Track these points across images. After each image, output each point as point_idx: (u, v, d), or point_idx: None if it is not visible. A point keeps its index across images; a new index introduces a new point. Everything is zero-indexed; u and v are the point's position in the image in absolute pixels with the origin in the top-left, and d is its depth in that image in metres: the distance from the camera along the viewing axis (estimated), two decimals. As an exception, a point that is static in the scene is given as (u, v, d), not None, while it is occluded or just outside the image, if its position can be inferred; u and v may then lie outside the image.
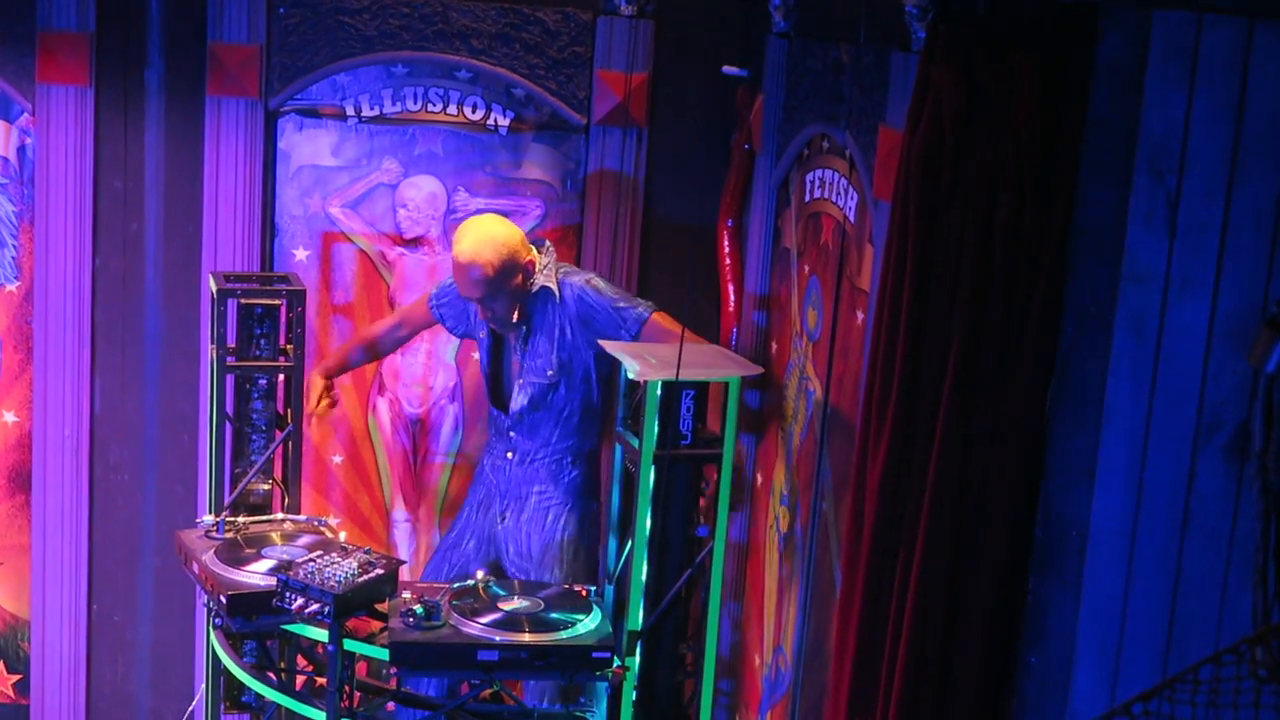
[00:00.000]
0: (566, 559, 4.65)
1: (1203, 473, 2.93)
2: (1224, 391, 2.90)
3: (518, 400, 4.65)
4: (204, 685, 4.61)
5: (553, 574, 4.63)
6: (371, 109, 5.04)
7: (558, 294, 4.54)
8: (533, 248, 4.57)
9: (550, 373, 4.59)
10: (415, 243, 5.13)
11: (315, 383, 4.75)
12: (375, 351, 4.99)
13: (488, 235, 4.46)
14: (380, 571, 3.91)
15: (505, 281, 4.46)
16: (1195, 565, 2.95)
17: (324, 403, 4.78)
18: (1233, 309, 2.87)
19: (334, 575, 3.83)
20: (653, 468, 4.02)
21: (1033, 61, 3.02)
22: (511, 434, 4.69)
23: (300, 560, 3.94)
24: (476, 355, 4.88)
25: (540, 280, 4.54)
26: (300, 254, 5.10)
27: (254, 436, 4.57)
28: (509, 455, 4.70)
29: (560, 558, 4.65)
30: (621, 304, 4.56)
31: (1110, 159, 2.93)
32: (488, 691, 4.16)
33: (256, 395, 4.57)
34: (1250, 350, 2.86)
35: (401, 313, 4.99)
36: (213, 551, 4.13)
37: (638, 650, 4.09)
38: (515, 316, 4.54)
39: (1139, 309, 2.92)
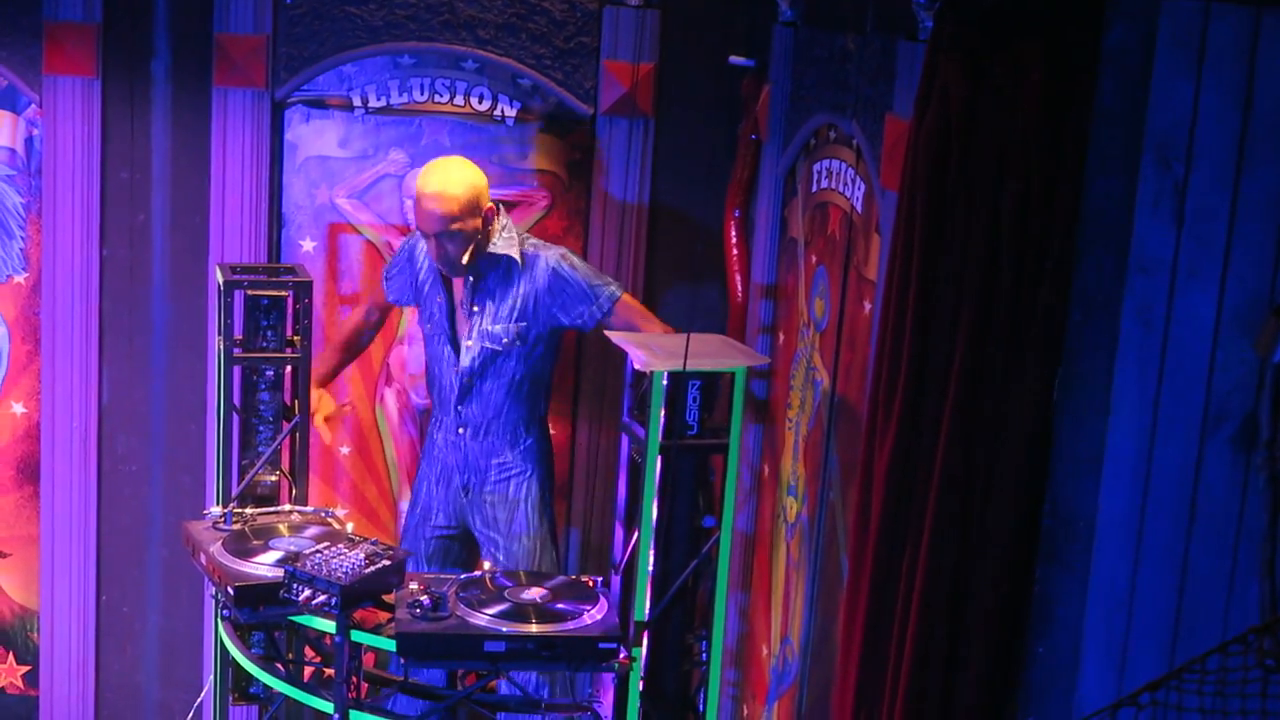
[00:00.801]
0: (533, 524, 4.71)
1: (1210, 462, 2.92)
2: (1231, 381, 2.89)
3: (464, 362, 4.64)
4: (212, 676, 4.62)
5: (521, 542, 4.69)
6: (378, 100, 5.04)
7: (520, 262, 4.56)
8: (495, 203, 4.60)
9: (505, 341, 4.59)
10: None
11: (313, 394, 4.78)
12: (356, 346, 5.01)
13: (456, 172, 4.50)
14: (387, 562, 3.91)
15: (466, 220, 4.46)
16: (1202, 555, 2.95)
17: (325, 409, 4.83)
18: (1240, 298, 2.86)
19: (341, 566, 3.83)
20: (659, 458, 4.01)
21: (1040, 50, 3.01)
22: (460, 408, 4.69)
23: (307, 551, 3.94)
24: (426, 327, 4.79)
25: (501, 246, 4.55)
26: (307, 245, 5.10)
27: (261, 428, 4.58)
28: (460, 430, 4.71)
29: (527, 524, 4.71)
30: (595, 281, 4.60)
31: (1117, 148, 2.92)
32: (493, 683, 4.16)
33: (263, 386, 4.57)
34: (1257, 339, 2.86)
35: (365, 300, 5.01)
36: (220, 543, 4.13)
37: (644, 641, 4.09)
38: (465, 260, 4.51)
39: (1146, 298, 2.91)
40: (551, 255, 4.60)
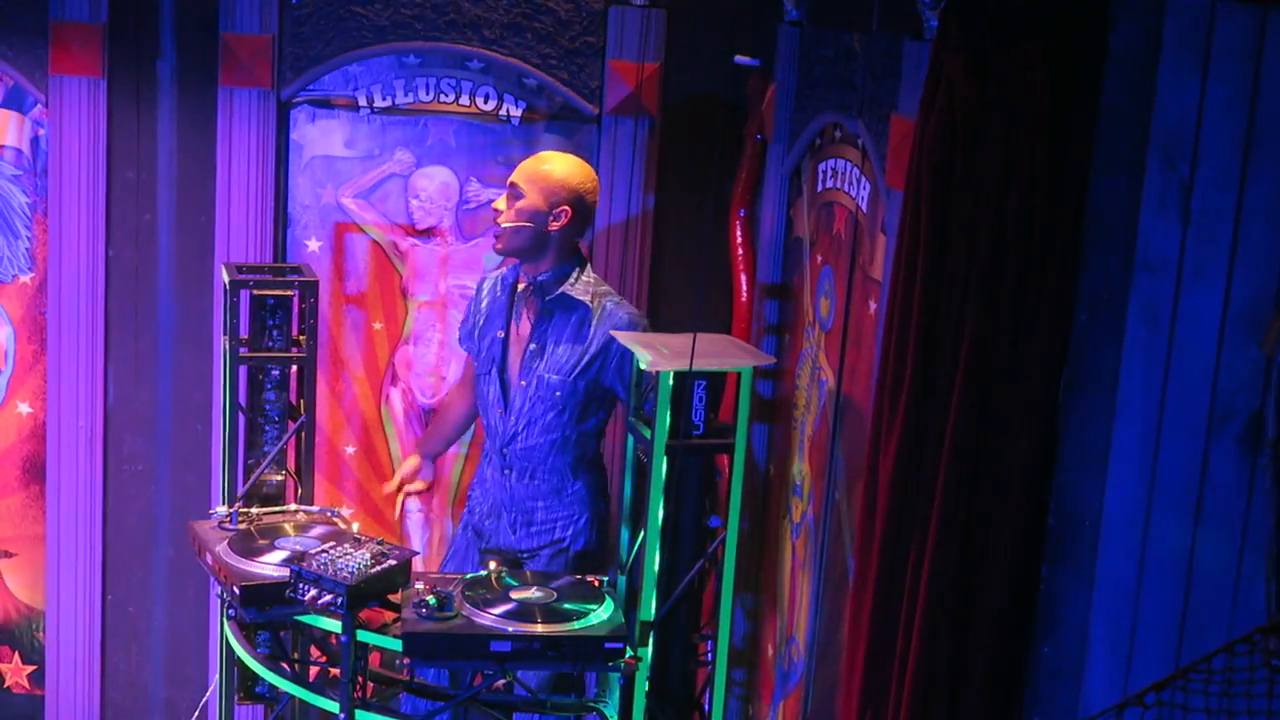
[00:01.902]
0: (575, 568, 4.60)
1: (1216, 462, 2.92)
2: (1237, 380, 2.89)
3: (514, 406, 4.55)
4: (217, 675, 4.62)
5: (569, 569, 4.62)
6: (384, 99, 5.04)
7: (594, 318, 4.47)
8: (586, 223, 4.58)
9: (559, 394, 4.49)
10: (428, 233, 5.13)
11: (409, 462, 4.85)
12: (469, 416, 4.95)
13: (575, 161, 4.54)
14: (393, 562, 3.91)
15: (537, 193, 4.43)
16: (1208, 554, 2.94)
17: (411, 486, 4.85)
18: (1246, 297, 2.86)
19: (347, 566, 3.83)
20: (665, 458, 4.01)
21: (1046, 50, 3.01)
22: (505, 450, 4.60)
23: (313, 551, 3.94)
24: (476, 363, 4.72)
25: (578, 292, 4.48)
26: (313, 244, 5.11)
27: (267, 427, 4.58)
28: (506, 472, 4.62)
29: (569, 566, 4.61)
30: None
31: (1123, 147, 2.92)
32: (500, 682, 4.16)
33: (269, 386, 4.57)
34: (1263, 338, 2.85)
35: (466, 368, 4.94)
36: (226, 542, 4.14)
37: (650, 640, 4.09)
38: (508, 224, 4.44)
39: (1152, 297, 2.91)
40: (632, 324, 4.46)
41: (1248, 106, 2.83)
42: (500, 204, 4.51)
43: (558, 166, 4.50)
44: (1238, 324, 2.88)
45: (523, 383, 4.54)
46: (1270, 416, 2.85)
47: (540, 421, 4.54)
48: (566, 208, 4.46)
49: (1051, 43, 3.00)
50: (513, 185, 4.49)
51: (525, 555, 4.65)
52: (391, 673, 4.36)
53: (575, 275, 4.51)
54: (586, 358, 4.48)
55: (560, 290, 4.50)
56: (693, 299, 4.65)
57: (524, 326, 4.59)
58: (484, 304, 4.69)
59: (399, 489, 4.89)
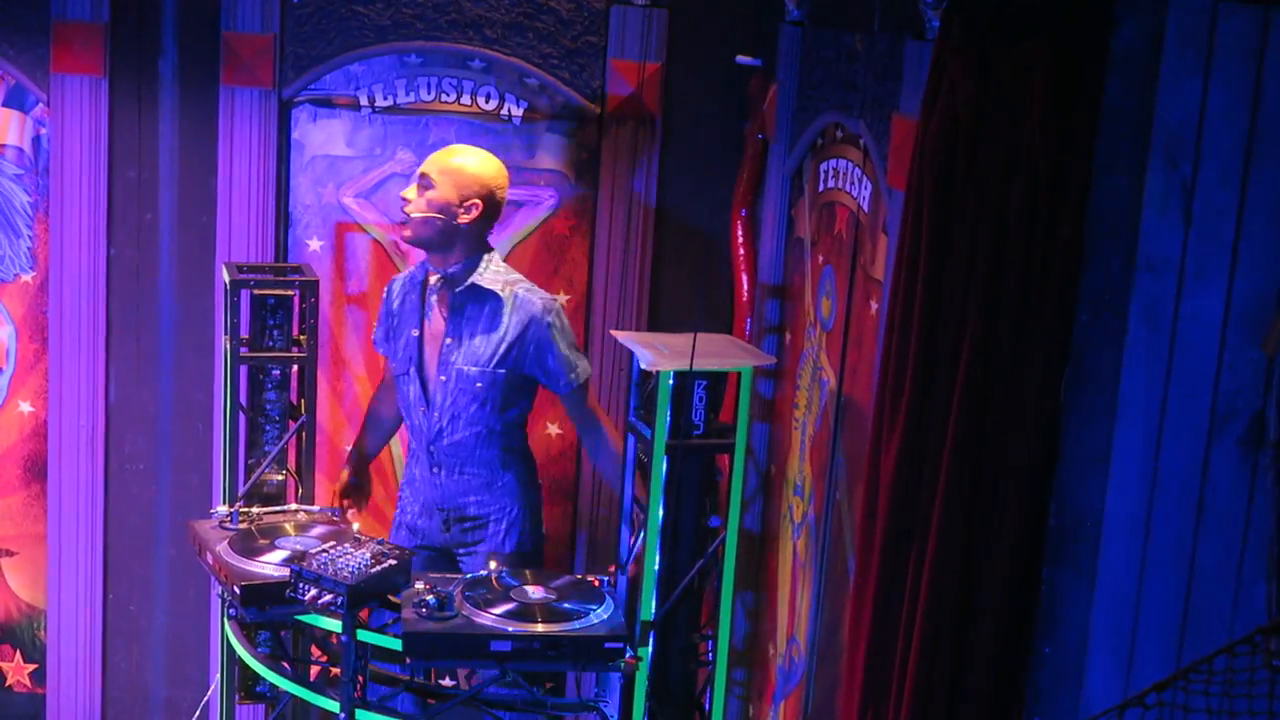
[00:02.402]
0: (514, 561, 4.58)
1: (1217, 462, 2.92)
2: (1239, 381, 2.89)
3: (435, 402, 4.53)
4: (218, 675, 4.62)
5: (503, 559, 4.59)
6: (385, 99, 5.04)
7: (508, 303, 4.46)
8: (495, 218, 4.55)
9: (479, 386, 4.48)
10: (429, 233, 5.12)
11: (342, 476, 4.80)
12: (389, 420, 4.89)
13: (487, 155, 4.53)
14: (393, 562, 3.92)
15: (449, 186, 4.42)
16: (1209, 555, 2.94)
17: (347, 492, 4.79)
18: (1248, 297, 2.86)
19: (347, 566, 3.83)
20: (665, 458, 4.01)
21: (1047, 49, 3.01)
22: (432, 448, 4.58)
23: (313, 551, 3.94)
24: (394, 365, 4.69)
25: (488, 281, 4.47)
26: (314, 244, 5.11)
27: (267, 427, 4.58)
28: (435, 470, 4.61)
29: (507, 559, 4.58)
30: (572, 357, 4.50)
31: (1125, 147, 2.92)
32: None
33: (270, 386, 4.57)
34: (1265, 339, 2.85)
35: (381, 380, 4.92)
36: (226, 542, 4.14)
37: (651, 640, 4.08)
38: (415, 214, 4.43)
39: (1154, 297, 2.91)
40: (545, 312, 4.46)
41: (1250, 107, 2.82)
42: (409, 193, 4.49)
43: (470, 160, 4.49)
44: (1239, 325, 2.88)
45: (442, 378, 4.52)
46: (1272, 417, 2.85)
47: (463, 415, 4.52)
48: (477, 201, 4.45)
49: (1053, 42, 3.00)
50: (424, 175, 4.47)
51: (462, 551, 4.63)
52: (392, 671, 4.36)
53: (484, 266, 4.50)
54: (503, 347, 4.47)
55: (469, 281, 4.48)
56: (693, 299, 4.65)
57: (437, 322, 4.56)
58: (395, 305, 4.67)
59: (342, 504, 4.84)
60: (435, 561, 4.68)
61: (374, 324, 4.83)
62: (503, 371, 4.47)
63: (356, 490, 4.82)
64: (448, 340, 4.51)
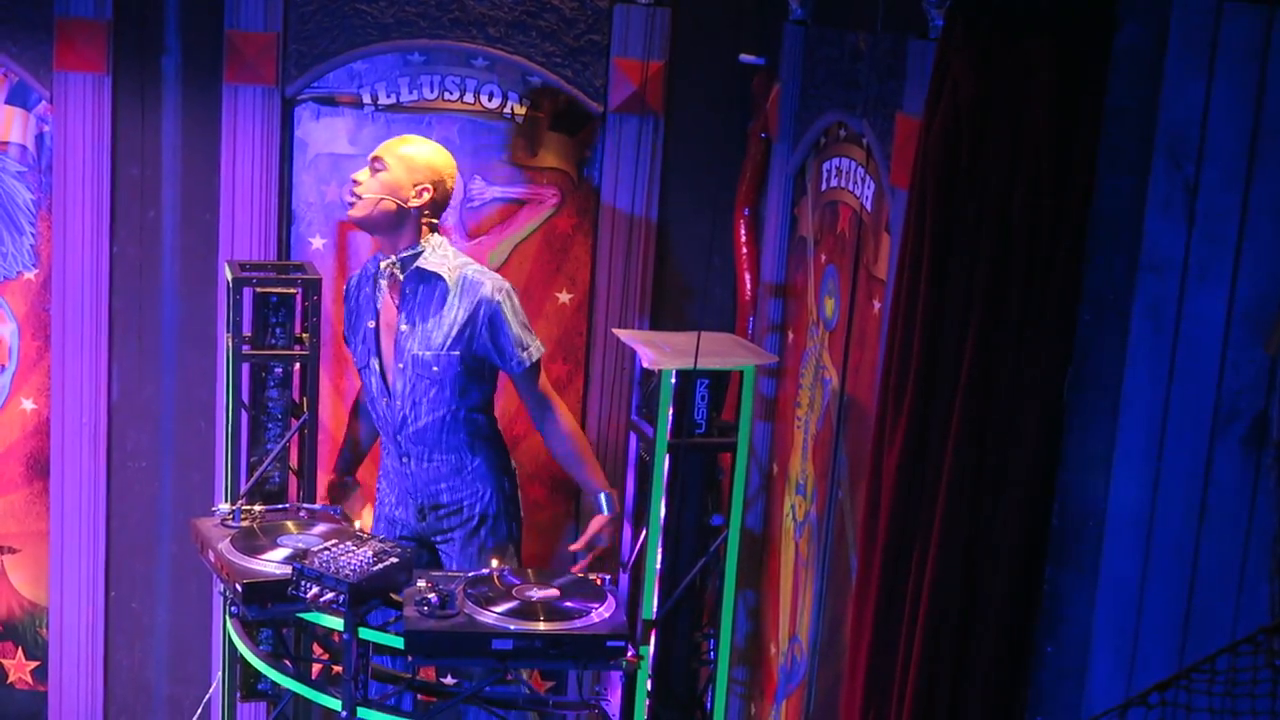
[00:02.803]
0: (489, 544, 4.61)
1: (1220, 462, 2.92)
2: (1242, 381, 2.89)
3: (396, 390, 4.54)
4: (220, 673, 4.62)
5: (480, 559, 4.58)
6: (388, 97, 5.04)
7: (453, 286, 4.45)
8: (443, 206, 4.58)
9: (436, 369, 4.48)
10: (431, 231, 5.12)
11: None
12: (368, 431, 4.90)
13: (442, 149, 4.58)
14: (395, 560, 3.92)
15: (402, 169, 4.45)
16: (1212, 555, 2.94)
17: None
18: (1251, 298, 2.86)
19: (349, 564, 3.83)
20: (667, 457, 4.01)
21: (1051, 49, 3.01)
22: (399, 438, 4.59)
23: (315, 549, 3.94)
24: (356, 358, 4.72)
25: (432, 264, 4.47)
26: (317, 242, 5.11)
27: (270, 425, 4.58)
28: (404, 460, 4.61)
29: (483, 545, 4.61)
30: (524, 337, 4.49)
31: (1128, 147, 2.92)
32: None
33: (272, 384, 4.57)
34: (1268, 339, 2.85)
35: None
36: (228, 540, 4.14)
37: (652, 639, 4.09)
38: (366, 195, 4.45)
39: (1157, 297, 2.91)
40: (495, 291, 4.46)
41: (1253, 107, 2.82)
42: (361, 175, 4.52)
43: (424, 148, 4.55)
44: (1242, 325, 2.88)
45: (400, 365, 4.53)
46: (1275, 417, 2.85)
47: (424, 401, 4.53)
48: (428, 186, 4.48)
49: (1057, 42, 3.00)
50: (377, 159, 4.50)
51: (439, 539, 4.64)
52: (395, 670, 4.36)
53: (430, 250, 4.50)
54: (455, 329, 4.47)
55: (415, 266, 4.49)
56: (696, 297, 4.65)
57: (390, 311, 4.57)
58: (353, 300, 4.69)
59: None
60: (415, 553, 4.70)
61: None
62: (456, 354, 4.47)
63: (343, 490, 4.87)
64: (402, 327, 4.52)
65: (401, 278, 4.51)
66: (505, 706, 4.14)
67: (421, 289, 4.49)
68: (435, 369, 4.47)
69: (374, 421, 4.70)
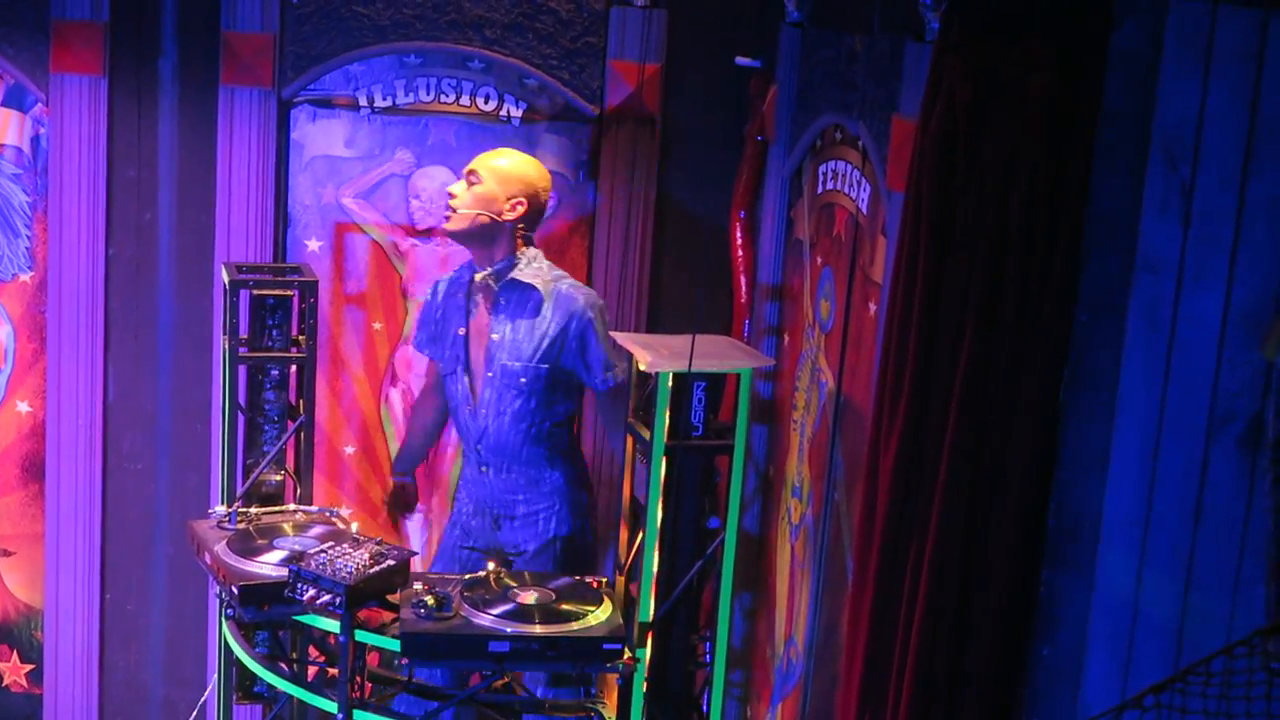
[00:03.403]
0: (564, 560, 4.65)
1: (1216, 464, 2.92)
2: (1238, 382, 2.89)
3: (481, 398, 4.58)
4: (216, 675, 4.62)
5: (555, 563, 4.64)
6: (384, 99, 5.04)
7: (548, 298, 4.51)
8: (538, 219, 4.62)
9: (523, 381, 4.52)
10: (428, 233, 5.13)
11: (394, 496, 4.95)
12: (436, 423, 4.95)
13: (535, 161, 4.63)
14: (392, 562, 3.91)
15: (495, 182, 4.49)
16: (1208, 557, 2.94)
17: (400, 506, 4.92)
18: (1247, 299, 2.86)
19: (345, 566, 3.83)
20: (664, 459, 4.01)
21: (1047, 51, 3.01)
22: (479, 447, 4.63)
23: (312, 551, 3.94)
24: (440, 365, 4.75)
25: (528, 276, 4.53)
26: (313, 244, 5.11)
27: (266, 427, 4.57)
28: (483, 469, 4.66)
29: (557, 559, 4.65)
30: (610, 359, 4.54)
31: (1124, 149, 2.92)
32: (500, 681, 4.16)
33: (269, 386, 4.57)
34: (1264, 341, 2.85)
35: (426, 378, 4.99)
36: (225, 542, 4.13)
37: (649, 642, 4.08)
38: (461, 208, 4.49)
39: (1153, 299, 2.91)
40: (588, 307, 4.52)
41: (1249, 109, 2.83)
42: (456, 188, 4.55)
43: (517, 161, 4.58)
44: (1238, 326, 2.88)
45: (488, 374, 4.58)
46: (1270, 419, 2.85)
47: (509, 412, 4.56)
48: (522, 199, 4.53)
49: (1053, 44, 3.00)
50: (472, 172, 4.55)
51: (512, 553, 4.65)
52: (390, 672, 4.36)
53: (525, 262, 4.55)
54: (546, 341, 4.52)
55: (510, 276, 4.54)
56: (692, 300, 4.65)
57: (482, 320, 4.62)
58: (439, 305, 4.73)
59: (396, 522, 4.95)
60: (481, 563, 4.71)
61: (414, 328, 4.92)
62: (545, 366, 4.52)
63: (401, 498, 4.97)
64: (493, 336, 4.57)
65: (496, 288, 4.55)
66: (502, 711, 4.13)
67: (515, 300, 4.54)
68: (523, 380, 4.53)
69: (457, 429, 4.75)
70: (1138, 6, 2.89)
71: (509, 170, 4.54)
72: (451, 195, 4.55)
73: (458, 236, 4.57)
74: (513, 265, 4.55)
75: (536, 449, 4.61)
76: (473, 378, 4.63)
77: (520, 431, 4.58)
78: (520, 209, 4.53)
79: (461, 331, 4.64)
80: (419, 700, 4.23)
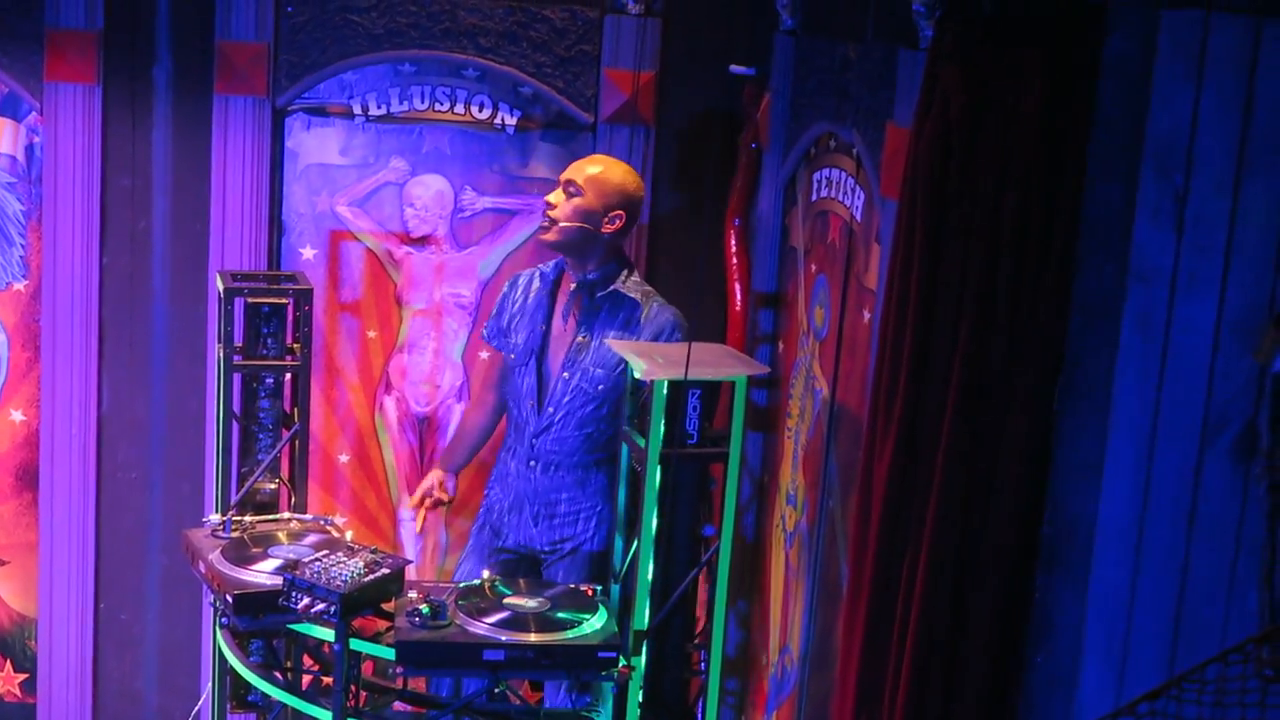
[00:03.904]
0: (598, 560, 4.64)
1: (1210, 471, 2.92)
2: (1231, 389, 2.89)
3: (553, 395, 4.59)
4: (210, 684, 4.61)
5: (585, 573, 4.62)
6: (379, 108, 5.04)
7: (644, 315, 4.53)
8: (633, 227, 4.64)
9: (601, 388, 4.54)
10: (423, 241, 5.13)
11: (432, 475, 4.88)
12: (492, 422, 4.93)
13: (632, 171, 4.62)
14: (386, 571, 3.91)
15: (594, 194, 4.49)
16: (1202, 563, 2.95)
17: (431, 501, 4.86)
18: (1240, 306, 2.86)
19: (340, 574, 3.82)
20: (659, 467, 4.01)
21: (1040, 59, 3.01)
22: (535, 442, 4.63)
23: (306, 559, 3.93)
24: (510, 357, 4.74)
25: (629, 289, 4.54)
26: (308, 252, 5.10)
27: (261, 435, 4.57)
28: (531, 464, 4.66)
29: (592, 558, 4.64)
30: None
31: (1117, 156, 2.93)
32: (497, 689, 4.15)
33: (263, 394, 4.56)
34: (1257, 348, 2.86)
35: (483, 375, 4.98)
36: (219, 550, 4.13)
37: (644, 650, 4.08)
38: (562, 222, 4.48)
39: (1146, 306, 2.91)
40: (678, 329, 4.53)
41: (1241, 116, 2.83)
42: (555, 198, 4.54)
43: (616, 172, 4.57)
44: (1232, 333, 2.88)
45: (565, 374, 4.58)
46: (1264, 425, 2.85)
47: (578, 415, 4.58)
48: (621, 212, 4.54)
49: (1046, 52, 3.01)
50: (570, 183, 4.53)
51: (543, 553, 4.65)
52: (385, 681, 4.36)
53: (625, 275, 4.58)
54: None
55: (612, 287, 4.56)
56: (687, 308, 4.65)
57: (569, 321, 4.62)
58: (519, 298, 4.71)
59: (421, 503, 4.88)
60: (516, 567, 4.71)
61: (485, 319, 4.89)
62: (626, 379, 4.50)
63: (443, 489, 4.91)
64: (580, 339, 4.58)
65: (595, 296, 4.57)
66: (497, 718, 4.13)
67: (609, 308, 4.56)
68: (601, 386, 4.54)
69: (511, 420, 4.73)
70: (1130, 14, 2.90)
71: (608, 182, 4.52)
72: (550, 205, 4.53)
73: (554, 247, 4.57)
74: (612, 277, 4.56)
75: (591, 454, 4.63)
76: (545, 375, 4.63)
77: (584, 435, 4.60)
78: (619, 222, 4.54)
79: (543, 327, 4.64)
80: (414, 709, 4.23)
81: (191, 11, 4.94)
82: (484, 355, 5.08)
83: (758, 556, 4.86)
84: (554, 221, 4.51)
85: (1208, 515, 2.93)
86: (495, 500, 4.76)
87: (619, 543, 4.26)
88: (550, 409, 4.60)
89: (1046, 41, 3.01)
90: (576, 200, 4.50)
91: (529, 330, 4.65)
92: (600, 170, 4.55)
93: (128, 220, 5.05)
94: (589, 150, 5.03)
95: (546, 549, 4.66)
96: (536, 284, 4.69)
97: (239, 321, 4.50)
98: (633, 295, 4.55)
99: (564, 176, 4.56)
